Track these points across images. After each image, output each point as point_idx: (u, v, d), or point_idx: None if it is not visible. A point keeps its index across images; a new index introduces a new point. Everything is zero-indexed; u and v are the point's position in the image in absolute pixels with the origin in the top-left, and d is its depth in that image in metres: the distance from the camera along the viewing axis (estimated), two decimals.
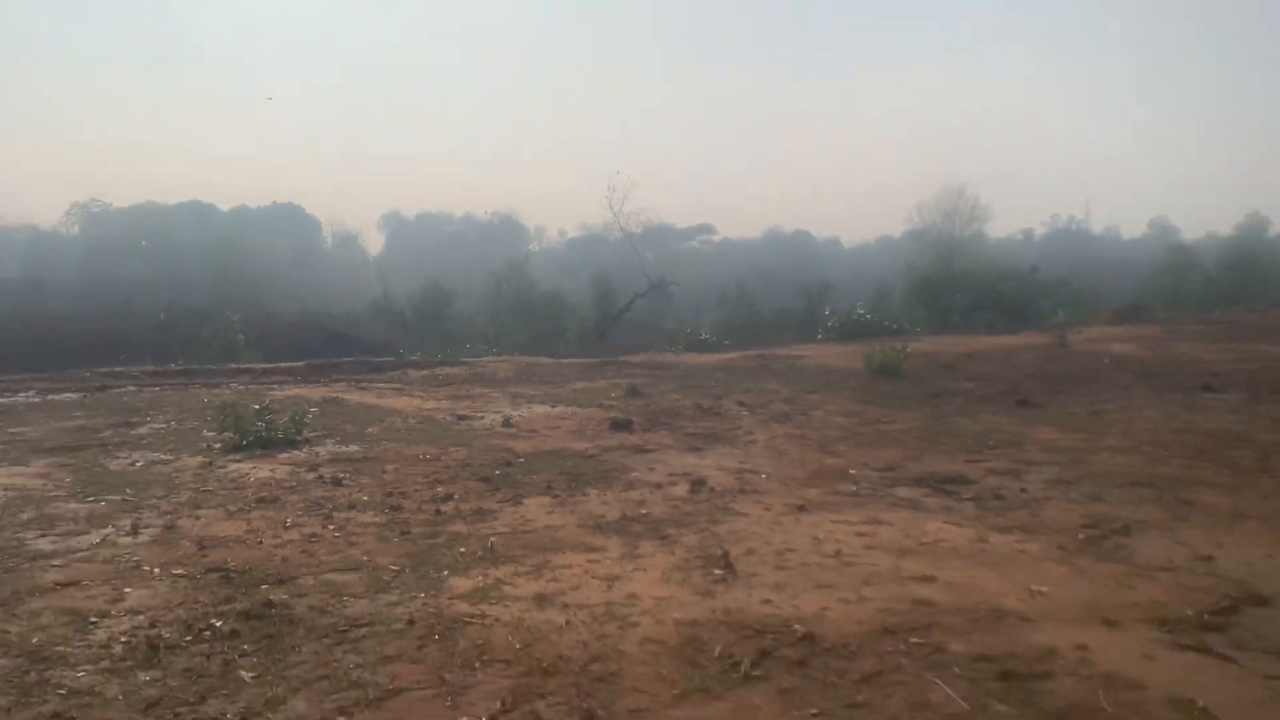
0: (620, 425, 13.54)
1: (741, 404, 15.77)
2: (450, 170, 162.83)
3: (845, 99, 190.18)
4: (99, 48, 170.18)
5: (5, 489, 9.63)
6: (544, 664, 5.28)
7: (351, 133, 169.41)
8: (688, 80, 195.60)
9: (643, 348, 31.54)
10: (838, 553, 7.45)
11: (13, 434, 13.00)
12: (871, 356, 20.00)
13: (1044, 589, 6.54)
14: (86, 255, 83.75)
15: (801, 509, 8.93)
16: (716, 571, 6.96)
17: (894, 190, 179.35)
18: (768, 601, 6.32)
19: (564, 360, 25.10)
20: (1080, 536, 7.95)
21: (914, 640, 5.62)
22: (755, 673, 5.18)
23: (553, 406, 15.88)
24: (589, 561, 7.26)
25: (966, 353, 22.77)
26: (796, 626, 5.82)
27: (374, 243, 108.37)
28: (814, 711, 4.73)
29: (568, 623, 5.92)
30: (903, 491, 9.76)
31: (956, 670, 5.19)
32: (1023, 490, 9.70)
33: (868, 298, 43.88)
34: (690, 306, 55.40)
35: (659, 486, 9.92)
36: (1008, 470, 10.66)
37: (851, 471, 10.66)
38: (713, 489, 9.73)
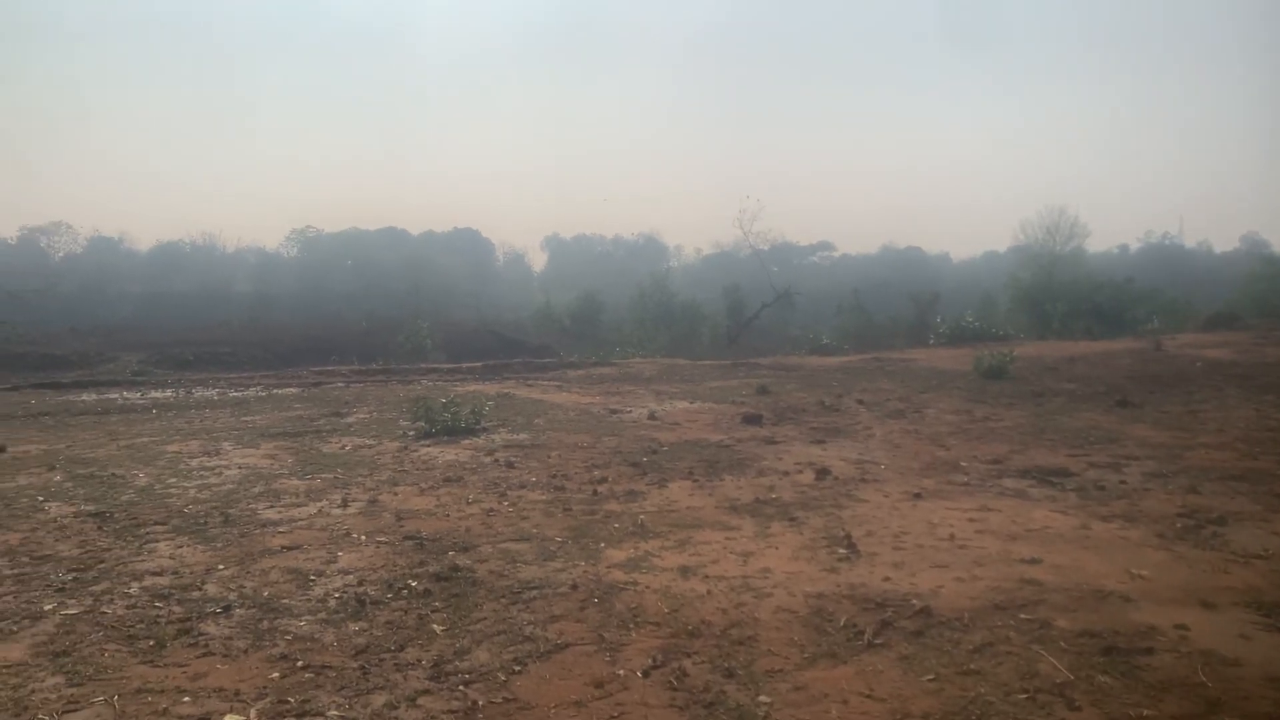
0: (752, 419, 13.46)
1: (860, 401, 15.49)
2: (601, 196, 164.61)
3: (953, 119, 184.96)
4: (314, 95, 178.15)
5: (240, 467, 10.15)
6: (689, 627, 5.29)
7: (521, 165, 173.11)
8: (810, 112, 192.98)
9: (770, 351, 31.29)
10: (951, 536, 7.25)
11: (245, 421, 13.71)
12: (980, 359, 19.39)
13: (1144, 572, 6.23)
14: (302, 273, 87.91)
15: (917, 496, 8.72)
16: (840, 550, 6.86)
17: (1001, 207, 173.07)
18: (887, 578, 6.19)
19: (700, 362, 25.09)
20: (1178, 525, 7.54)
21: (1022, 616, 5.43)
22: (877, 641, 5.09)
23: (691, 402, 15.89)
24: (726, 539, 7.25)
25: (1068, 356, 21.86)
26: (914, 601, 5.69)
27: (537, 260, 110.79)
28: (930, 677, 4.62)
29: (709, 592, 5.92)
30: (1010, 482, 9.43)
31: (1062, 644, 4.99)
32: (1122, 482, 9.25)
33: (974, 307, 42.55)
34: (812, 315, 54.66)
35: (787, 474, 9.82)
36: (1108, 464, 10.19)
37: (962, 463, 10.36)
38: (836, 477, 9.59)
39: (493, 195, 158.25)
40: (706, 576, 6.24)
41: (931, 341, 30.65)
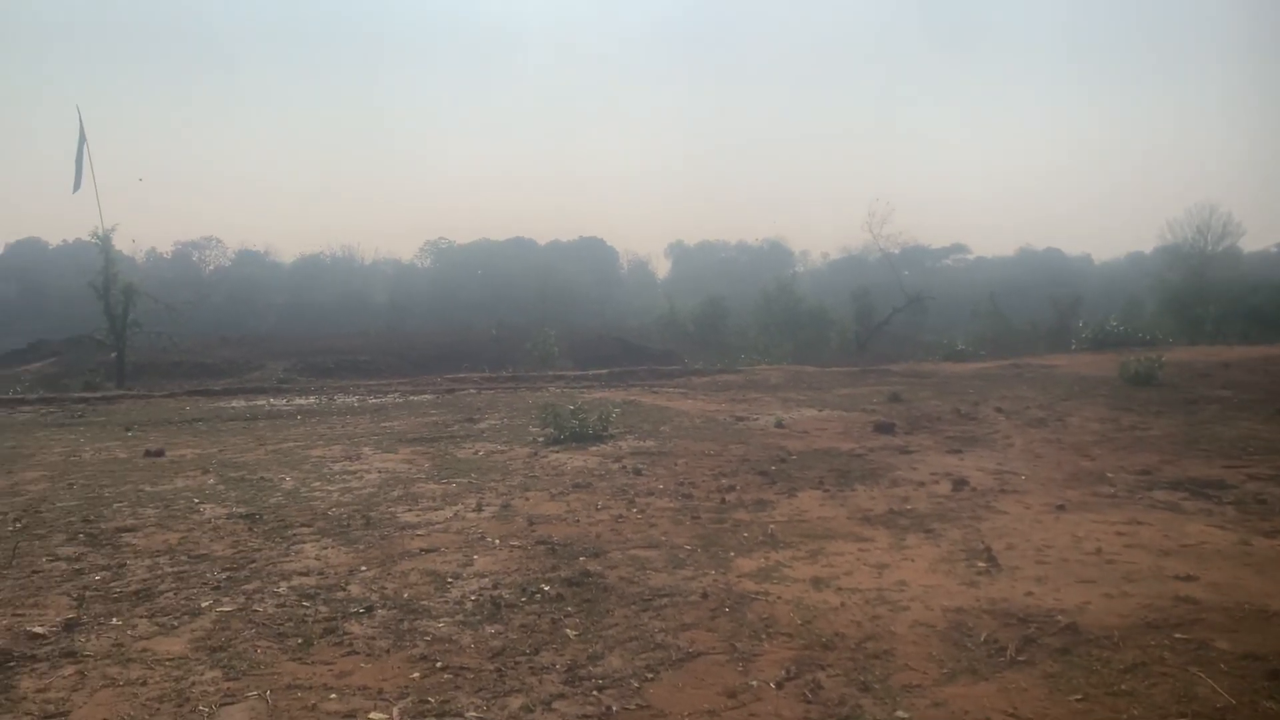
0: (884, 428, 13.21)
1: (998, 409, 15.01)
2: (726, 202, 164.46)
3: (1095, 118, 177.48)
4: (446, 109, 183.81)
5: (380, 471, 10.53)
6: (822, 639, 5.22)
7: (646, 172, 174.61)
8: (943, 110, 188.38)
9: (901, 358, 30.63)
10: (1098, 550, 6.95)
11: (384, 427, 14.22)
12: (1126, 365, 18.56)
13: None
14: (435, 283, 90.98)
15: (1060, 508, 8.40)
16: (980, 564, 6.66)
17: (1146, 207, 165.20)
18: (1030, 593, 5.98)
19: (828, 369, 24.75)
20: None
21: (1177, 636, 5.16)
22: (1020, 658, 4.92)
23: (820, 410, 15.69)
24: (859, 550, 7.13)
25: (1221, 362, 20.69)
26: (1059, 617, 5.48)
27: (661, 267, 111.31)
28: (1078, 696, 4.44)
29: (842, 604, 5.83)
30: (1161, 494, 8.98)
31: (1222, 667, 4.72)
32: None
33: (1119, 310, 40.67)
34: (945, 320, 53.35)
35: (922, 484, 9.60)
36: (1270, 476, 9.59)
37: (1108, 474, 9.92)
38: (973, 488, 9.32)
39: (617, 203, 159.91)
40: (840, 588, 6.15)
41: (1073, 347, 29.46)
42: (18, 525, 8.12)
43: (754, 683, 4.67)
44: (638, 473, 10.26)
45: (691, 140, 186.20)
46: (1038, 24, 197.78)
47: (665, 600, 5.92)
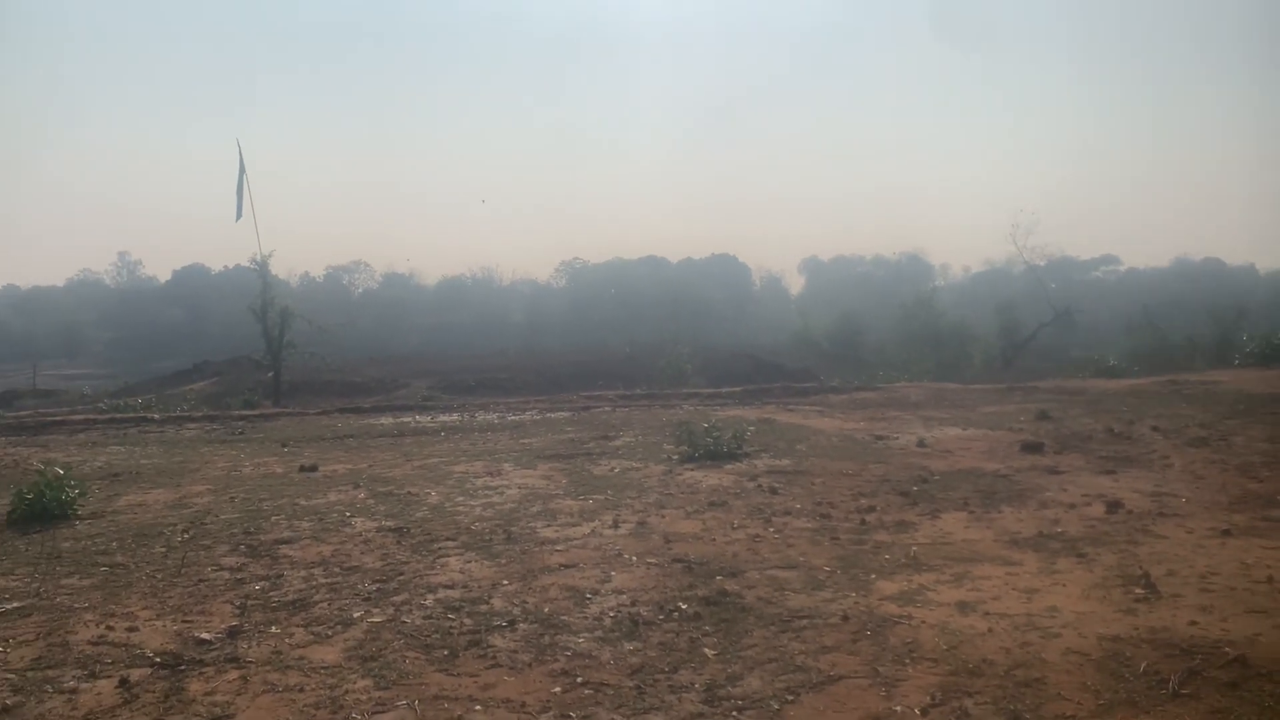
0: (1031, 447, 12.74)
1: (1154, 428, 14.27)
2: (861, 216, 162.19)
3: (1261, 114, 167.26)
4: (583, 133, 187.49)
5: (520, 487, 10.79)
6: (969, 665, 5.09)
7: (776, 186, 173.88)
8: (1088, 113, 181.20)
9: (1048, 375, 29.49)
10: (1269, 579, 6.54)
11: (523, 444, 14.55)
12: None
13: None
14: (570, 302, 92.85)
15: (1226, 533, 7.93)
16: (1137, 590, 6.36)
17: None
18: (1194, 623, 5.67)
19: (971, 386, 24.03)
20: None
21: None
22: (1184, 691, 4.68)
23: (963, 429, 15.25)
24: (1007, 574, 6.90)
25: None
26: (1227, 649, 5.18)
27: (794, 283, 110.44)
28: None
29: (990, 629, 5.66)
30: None
31: None
32: None
33: None
34: (1095, 335, 51.12)
35: (1073, 506, 9.22)
36: None
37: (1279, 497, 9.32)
38: (1129, 510, 8.89)
39: (749, 220, 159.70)
40: (987, 613, 5.97)
41: (1237, 362, 27.77)
42: (186, 536, 8.66)
43: (897, 708, 4.59)
44: (774, 492, 10.20)
45: (826, 155, 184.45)
46: (1199, 15, 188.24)
47: (804, 622, 5.87)
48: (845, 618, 5.92)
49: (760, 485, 10.58)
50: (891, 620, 5.85)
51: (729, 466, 11.90)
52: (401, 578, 7.09)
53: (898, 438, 14.26)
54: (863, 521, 8.72)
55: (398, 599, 6.56)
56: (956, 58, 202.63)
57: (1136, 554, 7.32)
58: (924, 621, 5.81)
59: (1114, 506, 8.99)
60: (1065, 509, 9.09)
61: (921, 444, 13.50)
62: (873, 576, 6.89)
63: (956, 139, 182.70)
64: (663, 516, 9.06)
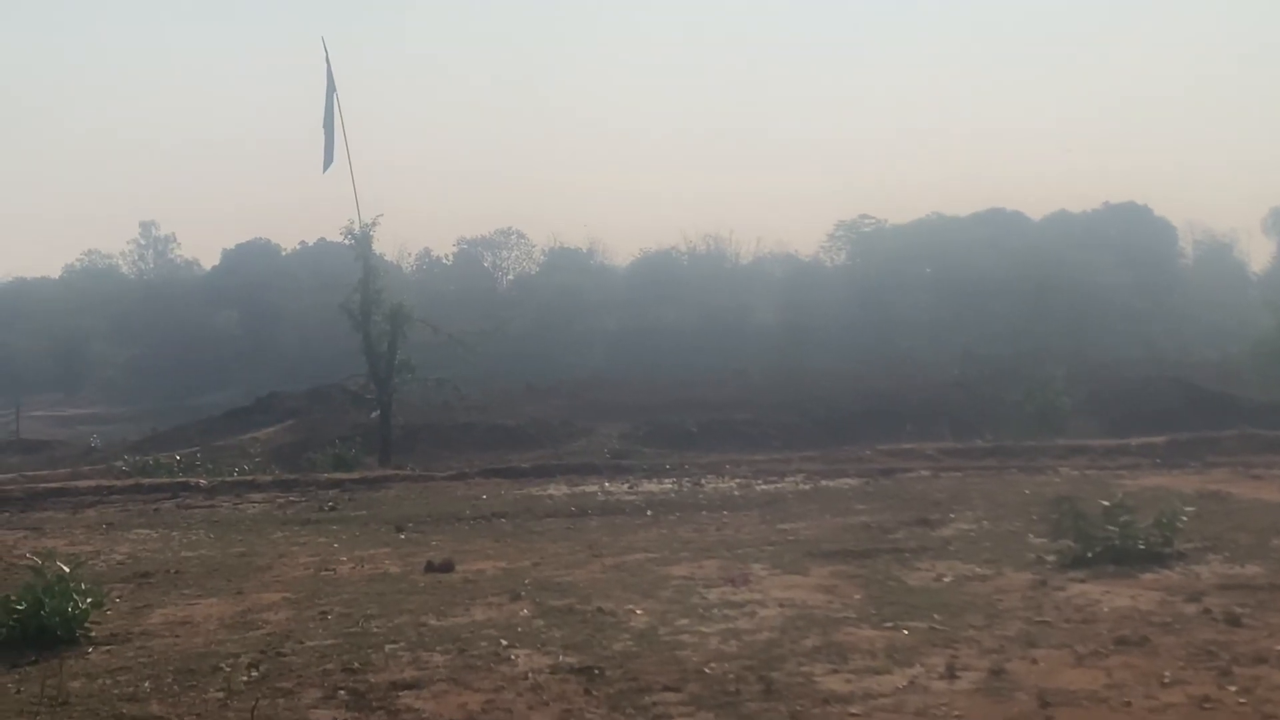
0: None
1: None
2: None
3: None
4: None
5: (781, 604, 10.82)
6: None
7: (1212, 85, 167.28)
8: None
9: None
10: None
11: (783, 530, 14.61)
12: None
13: None
14: (852, 288, 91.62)
15: None
16: None
17: None
18: None
19: None
20: None
21: None
22: None
23: None
24: None
25: None
26: None
27: (1259, 252, 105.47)
28: None
29: None
30: None
31: None
32: None
33: None
34: None
35: None
36: None
37: None
38: None
39: (1157, 148, 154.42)
40: None
41: None
42: (253, 674, 9.13)
43: None
44: (1234, 622, 9.82)
45: None
46: None
47: None
48: None
49: (1208, 610, 10.25)
50: None
51: (1149, 576, 11.57)
52: None
53: None
54: None
55: None
56: None
57: None
58: None
59: None
60: None
61: None
62: None
63: None
64: (1034, 660, 8.88)
